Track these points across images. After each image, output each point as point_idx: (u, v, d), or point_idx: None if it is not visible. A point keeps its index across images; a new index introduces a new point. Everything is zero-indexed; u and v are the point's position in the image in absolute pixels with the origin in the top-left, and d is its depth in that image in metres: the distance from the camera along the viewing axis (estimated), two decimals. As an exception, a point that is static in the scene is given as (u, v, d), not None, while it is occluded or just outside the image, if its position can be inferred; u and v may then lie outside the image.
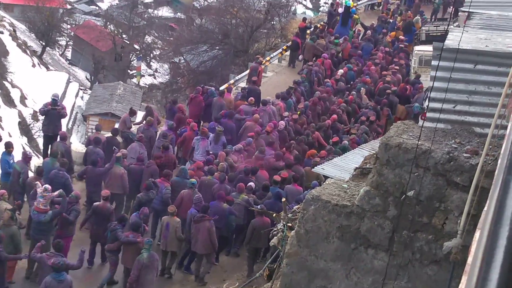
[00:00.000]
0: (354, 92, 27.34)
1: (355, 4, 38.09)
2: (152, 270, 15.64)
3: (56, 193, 16.59)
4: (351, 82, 29.15)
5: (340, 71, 29.15)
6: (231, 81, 28.41)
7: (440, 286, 7.45)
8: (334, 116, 24.39)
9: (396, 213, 7.59)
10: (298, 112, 24.37)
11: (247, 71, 30.18)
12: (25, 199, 18.36)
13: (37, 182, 17.07)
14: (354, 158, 14.83)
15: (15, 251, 15.69)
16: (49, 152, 20.54)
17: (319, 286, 8.01)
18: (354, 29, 36.05)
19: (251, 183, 18.69)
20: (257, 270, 17.64)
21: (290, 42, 35.44)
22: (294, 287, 8.17)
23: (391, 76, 28.71)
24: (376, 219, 7.70)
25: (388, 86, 27.66)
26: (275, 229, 12.62)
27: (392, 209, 7.63)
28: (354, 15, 36.49)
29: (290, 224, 11.81)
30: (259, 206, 17.33)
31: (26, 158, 19.25)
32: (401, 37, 34.89)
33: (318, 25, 35.80)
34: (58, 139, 20.23)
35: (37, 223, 16.36)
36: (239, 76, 31.81)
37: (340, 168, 14.73)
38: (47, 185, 16.59)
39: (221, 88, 27.33)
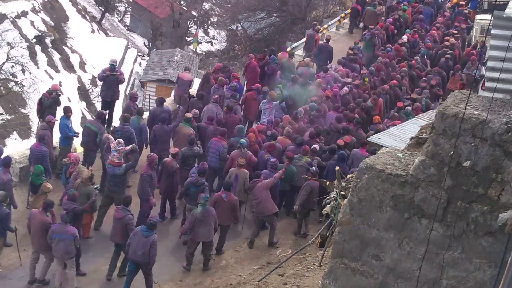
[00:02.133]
0: (417, 57, 27.16)
1: None
2: (206, 224, 16.09)
3: (129, 147, 17.29)
4: (415, 47, 28.96)
5: (404, 37, 28.93)
6: (288, 49, 28.31)
7: (494, 258, 7.36)
8: (394, 81, 24.25)
9: (451, 183, 7.50)
10: (366, 79, 24.26)
11: (304, 39, 30.06)
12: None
13: (110, 136, 17.67)
14: (411, 127, 14.67)
15: (90, 209, 16.33)
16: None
17: (371, 254, 8.00)
18: None
19: (315, 145, 18.85)
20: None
21: (350, 9, 35.18)
22: (346, 255, 8.17)
23: (452, 41, 28.43)
24: (431, 189, 7.62)
25: (447, 50, 27.36)
26: (328, 197, 12.61)
27: (447, 179, 7.54)
28: None
29: (343, 193, 11.80)
30: (313, 168, 17.49)
31: (101, 116, 19.61)
32: (462, 2, 34.41)
33: None
34: (95, 117, 20.38)
35: (112, 176, 17.04)
36: (296, 44, 31.74)
37: (395, 138, 14.60)
38: (120, 139, 17.19)
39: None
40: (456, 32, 29.86)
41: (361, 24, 31.80)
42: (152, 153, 17.84)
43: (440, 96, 24.21)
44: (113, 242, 15.96)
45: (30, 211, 15.63)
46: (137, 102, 21.89)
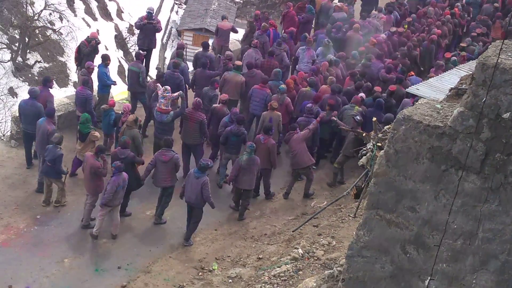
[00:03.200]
0: (458, 4, 26.81)
1: None
2: (249, 173, 16.43)
3: (176, 94, 17.49)
4: None
5: None
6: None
7: (532, 212, 7.27)
8: (438, 30, 23.95)
9: (490, 135, 7.37)
10: (405, 26, 24.03)
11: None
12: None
13: (158, 84, 17.93)
14: (450, 78, 14.48)
15: (136, 152, 16.55)
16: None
17: (406, 206, 7.93)
18: None
19: (362, 94, 18.83)
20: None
21: None
22: (381, 207, 8.12)
23: None
24: (469, 141, 7.49)
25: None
26: (364, 148, 12.52)
27: (486, 131, 7.40)
28: None
29: (379, 144, 11.70)
30: (357, 117, 17.72)
31: (140, 57, 19.87)
32: None
33: None
34: (135, 58, 20.45)
35: (160, 123, 17.35)
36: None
37: (435, 89, 14.44)
38: (167, 86, 17.45)
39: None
40: None
41: None
42: (196, 98, 17.87)
43: (489, 44, 23.87)
44: (159, 187, 16.21)
45: (85, 155, 15.94)
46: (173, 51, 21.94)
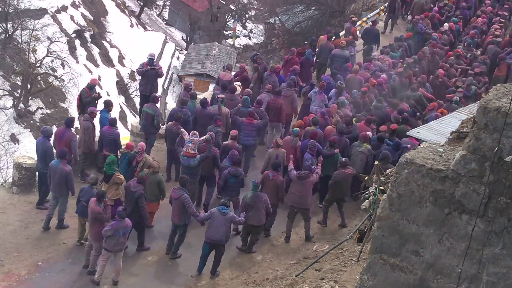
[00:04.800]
0: (460, 45, 27.18)
1: None
2: (256, 209, 16.53)
3: (203, 137, 17.76)
4: (460, 36, 28.99)
5: (446, 25, 28.93)
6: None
7: (536, 255, 7.24)
8: (441, 71, 24.27)
9: (493, 178, 7.39)
10: (405, 65, 24.34)
11: (342, 32, 30.05)
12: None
13: (183, 130, 18.22)
14: (451, 121, 14.53)
15: (160, 196, 17.00)
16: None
17: (410, 250, 7.91)
18: None
19: (369, 132, 19.10)
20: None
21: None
22: (385, 251, 8.09)
23: (499, 30, 28.38)
24: (472, 184, 7.51)
25: (495, 40, 27.23)
26: (367, 192, 12.53)
27: (488, 174, 7.42)
28: None
29: (382, 188, 11.71)
30: (343, 159, 18.03)
31: (155, 100, 20.29)
32: None
33: None
34: (150, 101, 20.65)
35: (187, 168, 17.49)
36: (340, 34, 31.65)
37: (436, 132, 14.48)
38: (195, 131, 17.84)
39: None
40: (502, 20, 29.85)
41: (409, 17, 31.53)
42: (209, 132, 18.27)
43: (486, 83, 24.12)
44: (172, 222, 16.48)
45: (90, 199, 15.94)
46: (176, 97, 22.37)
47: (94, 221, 15.42)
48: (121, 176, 16.95)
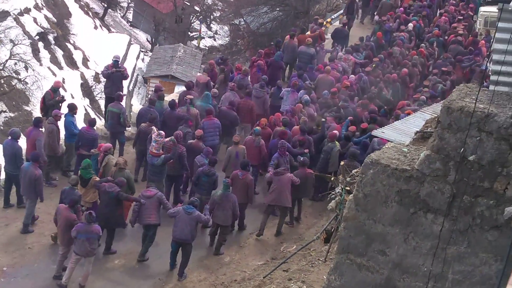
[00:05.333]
0: (423, 44, 27.41)
1: None
2: (223, 209, 16.65)
3: (168, 139, 17.91)
4: (421, 34, 29.24)
5: (410, 25, 29.17)
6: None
7: (500, 252, 7.34)
8: (405, 70, 24.45)
9: (457, 177, 7.47)
10: (374, 65, 24.50)
11: (308, 33, 30.12)
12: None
13: (153, 127, 18.41)
14: (415, 121, 14.64)
15: (130, 192, 16.97)
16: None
17: (376, 250, 7.97)
18: None
19: (336, 131, 19.21)
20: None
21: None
22: (351, 251, 8.15)
23: (462, 28, 28.68)
24: (436, 184, 7.59)
25: (459, 40, 27.52)
26: (333, 192, 12.59)
27: (452, 174, 7.50)
28: None
29: (348, 188, 11.77)
30: (302, 158, 18.18)
31: (120, 98, 20.38)
32: None
33: None
34: (115, 99, 20.61)
35: (151, 166, 17.76)
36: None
37: (400, 132, 14.57)
38: (161, 131, 18.05)
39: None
40: (463, 18, 30.22)
41: (377, 17, 31.74)
42: (176, 132, 18.34)
43: (454, 82, 24.40)
44: (144, 224, 16.37)
45: (58, 206, 15.85)
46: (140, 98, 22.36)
47: (66, 227, 15.25)
48: (98, 179, 16.87)
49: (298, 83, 22.45)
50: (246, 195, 17.54)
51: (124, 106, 20.40)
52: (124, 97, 22.27)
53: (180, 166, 18.12)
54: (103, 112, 25.60)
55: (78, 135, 18.89)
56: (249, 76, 23.41)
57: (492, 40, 24.88)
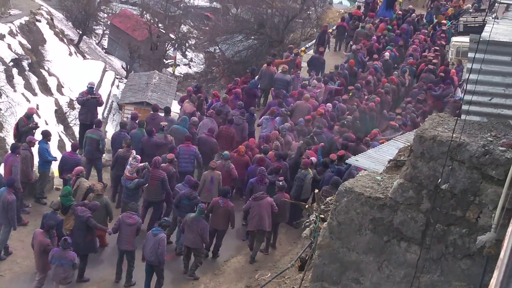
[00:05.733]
0: (395, 72, 27.71)
1: None
2: (192, 232, 16.57)
3: (141, 164, 17.95)
4: (395, 64, 29.56)
5: (387, 54, 29.50)
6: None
7: (473, 280, 7.39)
8: (377, 98, 24.66)
9: (430, 206, 7.54)
10: (351, 94, 24.72)
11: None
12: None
13: (133, 151, 18.54)
14: (389, 150, 14.74)
15: (108, 218, 17.01)
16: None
17: (351, 278, 7.99)
18: (396, 12, 36.67)
19: (313, 158, 19.30)
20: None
21: (336, 27, 35.75)
22: (325, 279, 8.16)
23: (433, 57, 29.05)
24: (410, 212, 7.65)
25: (432, 68, 27.86)
26: (308, 220, 12.61)
27: (425, 202, 7.57)
28: None
29: (322, 216, 11.80)
30: (281, 183, 18.17)
31: (99, 124, 20.51)
32: (443, 21, 35.11)
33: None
34: (94, 126, 20.55)
35: (125, 189, 17.87)
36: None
37: (374, 160, 14.66)
38: (137, 156, 18.11)
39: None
40: (437, 48, 30.58)
41: (354, 46, 32.05)
42: (155, 157, 18.27)
43: (426, 112, 24.63)
44: (121, 249, 16.28)
45: (34, 231, 15.74)
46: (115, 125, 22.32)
47: (42, 253, 15.17)
48: (75, 203, 16.81)
49: (277, 111, 22.56)
50: (227, 222, 17.55)
51: (103, 133, 20.32)
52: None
53: (161, 191, 18.07)
54: (77, 139, 25.45)
55: (61, 160, 18.91)
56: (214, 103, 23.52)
57: (463, 70, 25.20)
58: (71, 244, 15.09)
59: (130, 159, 17.83)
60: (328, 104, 23.97)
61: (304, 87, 25.03)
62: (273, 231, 18.60)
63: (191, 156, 19.63)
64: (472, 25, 33.28)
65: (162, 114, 21.96)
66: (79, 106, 22.61)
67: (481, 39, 7.79)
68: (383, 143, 19.98)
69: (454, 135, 7.44)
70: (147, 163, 18.09)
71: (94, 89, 22.15)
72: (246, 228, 18.60)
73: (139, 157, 18.02)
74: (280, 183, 18.27)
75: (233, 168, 19.27)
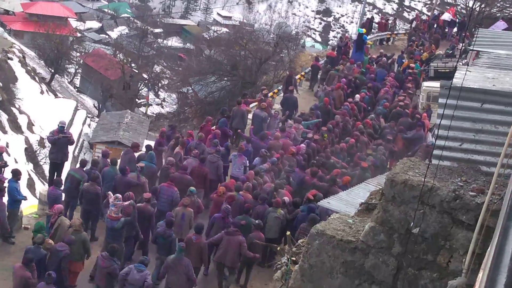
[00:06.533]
0: (372, 115, 27.98)
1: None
2: (176, 273, 16.30)
3: (126, 202, 17.63)
4: (368, 107, 29.87)
5: (357, 96, 29.84)
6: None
7: (444, 325, 7.40)
8: (352, 139, 24.85)
9: (401, 250, 7.56)
10: (325, 135, 24.87)
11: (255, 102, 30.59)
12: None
13: (109, 192, 18.30)
14: (360, 193, 14.82)
15: (86, 255, 16.82)
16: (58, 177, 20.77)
17: (322, 321, 7.96)
18: (368, 55, 37.14)
19: (286, 198, 19.31)
20: None
21: (310, 67, 36.19)
22: (297, 322, 8.12)
23: (405, 101, 29.45)
24: (381, 256, 7.66)
25: (402, 111, 28.18)
26: (279, 262, 12.57)
27: (397, 246, 7.60)
28: (368, 42, 38.05)
29: (294, 258, 11.77)
30: (256, 221, 18.17)
31: (84, 164, 20.30)
32: (412, 65, 35.65)
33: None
34: (79, 165, 20.57)
35: (110, 229, 17.44)
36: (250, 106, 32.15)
37: (345, 203, 14.72)
38: (118, 194, 17.78)
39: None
40: (407, 93, 31.05)
41: (329, 88, 32.29)
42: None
43: (395, 152, 24.81)
44: (98, 285, 16.16)
45: (14, 266, 15.61)
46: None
47: (21, 287, 15.01)
48: (51, 241, 16.64)
49: (245, 147, 22.68)
50: (200, 259, 17.38)
51: (86, 174, 20.08)
52: (69, 162, 22.03)
53: (149, 226, 18.30)
54: (47, 178, 25.25)
55: (48, 196, 18.91)
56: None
57: (432, 115, 25.49)
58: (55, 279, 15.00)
59: (112, 200, 17.59)
60: (302, 145, 24.03)
61: (284, 130, 25.16)
62: (246, 271, 18.51)
63: (168, 198, 19.48)
64: (442, 70, 33.76)
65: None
66: (50, 145, 22.46)
67: (452, 85, 7.91)
68: (347, 180, 20.20)
69: (425, 179, 7.50)
70: (132, 200, 18.07)
71: (65, 127, 22.04)
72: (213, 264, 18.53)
73: (120, 196, 17.86)
74: (257, 221, 18.23)
75: (200, 204, 19.34)
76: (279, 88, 35.47)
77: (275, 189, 20.22)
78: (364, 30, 38.57)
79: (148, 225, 18.39)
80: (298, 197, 20.14)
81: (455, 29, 48.31)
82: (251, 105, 28.59)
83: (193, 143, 23.17)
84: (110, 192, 18.26)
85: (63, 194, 19.34)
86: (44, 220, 18.35)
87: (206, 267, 17.96)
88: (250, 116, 27.50)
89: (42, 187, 24.20)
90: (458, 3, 63.01)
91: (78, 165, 20.68)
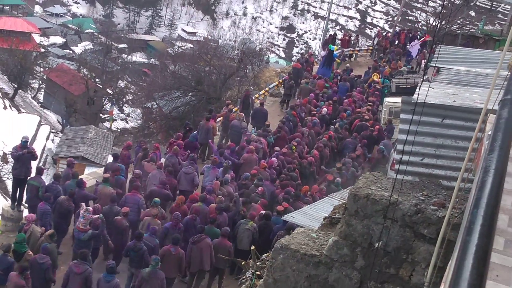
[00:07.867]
0: (334, 127, 28.28)
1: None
2: (151, 285, 16.28)
3: (96, 216, 17.87)
4: (333, 119, 30.24)
5: (324, 109, 30.17)
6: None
7: (406, 338, 7.48)
8: (316, 152, 25.02)
9: (364, 263, 7.65)
10: (293, 147, 25.00)
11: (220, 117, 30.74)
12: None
13: (82, 203, 18.39)
14: (324, 207, 14.91)
15: (52, 266, 16.64)
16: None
17: (286, 335, 8.00)
18: (333, 71, 37.72)
19: (263, 212, 19.55)
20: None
21: (282, 81, 36.77)
22: (261, 337, 8.15)
23: (367, 114, 29.80)
24: (344, 269, 7.74)
25: (366, 124, 28.49)
26: (244, 277, 12.60)
27: (360, 260, 7.68)
28: (336, 59, 38.69)
29: (258, 273, 11.81)
30: (226, 228, 18.46)
31: (41, 171, 20.62)
32: (376, 79, 36.17)
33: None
34: (35, 173, 20.54)
35: (78, 240, 17.65)
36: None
37: (309, 217, 14.80)
38: (89, 207, 18.06)
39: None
40: (371, 104, 31.55)
41: (299, 101, 32.55)
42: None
43: (364, 168, 25.00)
44: None
45: (9, 274, 15.54)
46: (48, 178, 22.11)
47: None
48: (31, 253, 16.61)
49: (218, 160, 22.79)
50: (177, 269, 17.49)
51: (43, 180, 20.13)
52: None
53: (122, 240, 18.37)
54: (10, 193, 25.02)
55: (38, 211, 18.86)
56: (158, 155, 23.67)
57: (393, 130, 25.81)
58: None
59: (82, 211, 17.72)
60: (274, 159, 24.15)
61: (249, 142, 25.30)
62: (218, 280, 18.57)
63: (135, 205, 19.57)
64: (404, 86, 34.19)
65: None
66: (13, 160, 22.27)
67: (412, 101, 8.05)
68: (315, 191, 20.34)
69: (387, 193, 7.61)
70: (101, 214, 18.07)
71: (29, 143, 21.88)
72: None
73: (91, 208, 17.95)
74: (223, 228, 18.34)
75: (164, 213, 19.41)
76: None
77: (245, 202, 20.33)
78: (335, 48, 39.66)
79: (121, 238, 18.46)
80: (268, 210, 20.27)
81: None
82: (217, 120, 28.84)
83: (167, 156, 23.40)
84: (83, 204, 18.34)
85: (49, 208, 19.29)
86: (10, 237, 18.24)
87: (182, 275, 18.07)
88: (218, 131, 27.79)
89: (5, 203, 23.97)
90: (419, 20, 63.91)
91: (34, 173, 20.56)
